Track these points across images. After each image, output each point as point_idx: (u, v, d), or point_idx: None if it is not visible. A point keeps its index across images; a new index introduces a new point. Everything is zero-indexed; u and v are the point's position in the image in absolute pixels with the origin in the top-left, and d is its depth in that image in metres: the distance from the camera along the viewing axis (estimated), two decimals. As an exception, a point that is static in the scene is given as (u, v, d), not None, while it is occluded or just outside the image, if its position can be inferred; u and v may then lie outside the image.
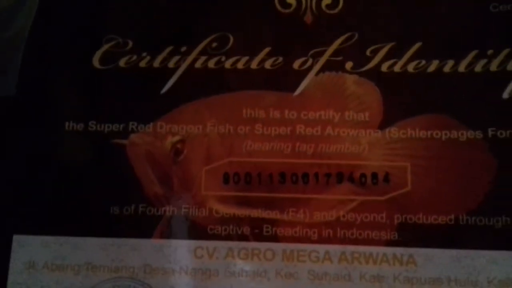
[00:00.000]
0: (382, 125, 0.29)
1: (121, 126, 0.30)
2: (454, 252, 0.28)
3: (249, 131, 0.30)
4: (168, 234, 0.29)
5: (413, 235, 0.28)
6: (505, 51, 0.30)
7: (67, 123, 0.30)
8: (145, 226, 0.29)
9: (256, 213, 0.29)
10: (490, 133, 0.29)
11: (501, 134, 0.29)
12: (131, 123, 0.30)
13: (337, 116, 0.30)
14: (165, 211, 0.29)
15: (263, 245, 0.28)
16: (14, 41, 0.30)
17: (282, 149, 0.29)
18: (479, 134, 0.29)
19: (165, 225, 0.29)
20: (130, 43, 0.31)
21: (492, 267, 0.27)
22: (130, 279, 0.28)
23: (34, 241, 0.29)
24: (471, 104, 0.29)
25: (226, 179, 0.29)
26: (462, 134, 0.29)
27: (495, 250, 0.27)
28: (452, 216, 0.28)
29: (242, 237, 0.28)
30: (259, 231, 0.28)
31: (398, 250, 0.28)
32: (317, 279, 0.28)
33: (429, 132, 0.29)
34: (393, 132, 0.29)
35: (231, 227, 0.29)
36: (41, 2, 0.32)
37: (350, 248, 0.28)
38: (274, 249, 0.28)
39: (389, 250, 0.28)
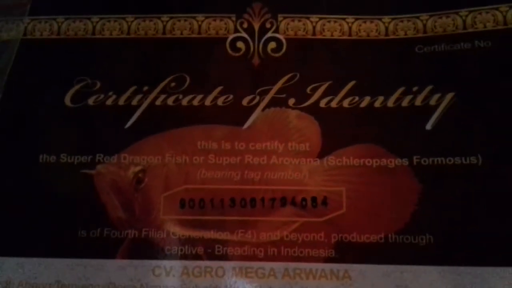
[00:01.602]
0: (321, 154, 0.31)
1: (89, 157, 0.32)
2: (384, 267, 0.29)
3: (203, 161, 0.31)
4: (129, 254, 0.30)
5: (348, 253, 0.29)
6: (428, 88, 0.32)
7: (41, 156, 0.32)
8: (109, 248, 0.30)
9: (209, 234, 0.30)
10: (415, 160, 0.31)
11: (424, 161, 0.31)
12: (98, 154, 0.32)
13: (281, 147, 0.32)
14: (127, 234, 0.30)
15: (215, 263, 0.30)
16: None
17: (232, 177, 0.31)
18: (405, 162, 0.31)
19: (127, 247, 0.30)
20: (98, 84, 0.33)
21: (418, 280, 0.29)
22: (97, 294, 0.30)
23: (10, 262, 0.30)
24: (399, 135, 0.31)
25: (182, 204, 0.31)
26: (390, 161, 0.31)
27: (420, 265, 0.29)
28: (382, 235, 0.29)
29: (196, 256, 0.30)
30: (211, 251, 0.30)
31: (335, 266, 0.29)
32: (265, 293, 0.29)
33: (362, 160, 0.31)
34: (330, 160, 0.31)
35: (186, 247, 0.30)
36: (20, 48, 0.34)
37: (292, 265, 0.29)
38: (225, 267, 0.30)
39: (327, 266, 0.29)
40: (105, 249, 0.30)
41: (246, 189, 0.31)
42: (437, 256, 0.29)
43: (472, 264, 0.28)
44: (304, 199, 0.31)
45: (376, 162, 0.31)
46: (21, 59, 0.34)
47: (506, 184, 0.29)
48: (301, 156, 0.31)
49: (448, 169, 0.30)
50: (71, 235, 0.30)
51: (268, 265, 0.30)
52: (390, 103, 0.32)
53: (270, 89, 0.32)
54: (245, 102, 0.32)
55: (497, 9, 0.33)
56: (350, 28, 0.33)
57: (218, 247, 0.30)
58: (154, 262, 0.30)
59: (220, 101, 0.32)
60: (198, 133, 0.32)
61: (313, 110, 0.32)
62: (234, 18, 0.34)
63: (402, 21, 0.33)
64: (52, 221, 0.31)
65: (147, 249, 0.30)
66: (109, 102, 0.33)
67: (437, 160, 0.30)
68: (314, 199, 0.30)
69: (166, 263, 0.30)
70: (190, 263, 0.30)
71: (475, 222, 0.29)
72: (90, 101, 0.33)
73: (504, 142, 0.30)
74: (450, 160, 0.30)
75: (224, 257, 0.30)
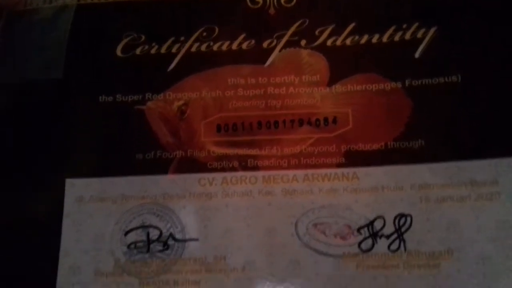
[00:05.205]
0: (329, 83, 0.37)
1: (140, 96, 0.37)
2: (385, 168, 0.35)
3: (233, 94, 0.37)
4: (178, 170, 0.36)
5: (355, 159, 0.35)
6: (415, 25, 0.38)
7: (100, 96, 0.38)
8: (162, 166, 0.36)
9: (242, 151, 0.36)
10: (407, 83, 0.36)
11: (414, 83, 0.36)
12: (147, 93, 0.37)
13: (297, 79, 0.37)
14: (175, 154, 0.36)
15: (248, 174, 0.36)
16: (59, 38, 0.38)
17: (258, 105, 0.37)
18: (399, 84, 0.36)
19: (176, 164, 0.36)
20: (143, 37, 0.39)
21: (413, 176, 0.35)
22: (153, 203, 0.35)
23: (81, 182, 0.36)
24: (393, 64, 0.37)
25: (218, 129, 0.37)
26: (387, 85, 0.37)
27: (414, 164, 0.35)
28: (383, 143, 0.35)
29: (233, 169, 0.36)
30: (245, 164, 0.36)
31: (345, 170, 0.35)
32: (288, 194, 0.35)
33: (363, 86, 0.37)
34: (338, 88, 0.37)
35: (224, 162, 0.36)
36: (76, 10, 0.40)
37: (310, 171, 0.35)
38: (256, 176, 0.36)
39: (339, 170, 0.35)
40: (159, 167, 0.36)
41: (270, 114, 0.37)
42: (428, 156, 0.35)
43: (457, 159, 0.35)
44: (317, 120, 0.36)
45: (375, 86, 0.37)
46: (77, 21, 0.39)
47: (479, 95, 0.36)
48: (313, 86, 0.37)
49: (433, 87, 0.36)
50: (130, 158, 0.36)
51: (291, 172, 0.36)
52: (385, 38, 0.38)
53: (285, 33, 0.38)
54: (265, 45, 0.38)
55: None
56: (349, -21, 0.39)
57: (250, 161, 0.36)
58: (199, 175, 0.36)
59: (244, 46, 0.38)
60: (228, 72, 0.38)
61: (321, 48, 0.38)
62: (252, -23, 0.40)
63: (391, -29, 0.39)
64: (113, 148, 0.37)
65: (192, 165, 0.36)
66: (153, 51, 0.38)
67: (425, 81, 0.36)
68: (325, 119, 0.36)
69: (209, 175, 0.36)
70: (228, 174, 0.36)
71: (458, 126, 0.35)
72: (138, 51, 0.38)
73: (477, 63, 0.36)
74: (435, 80, 0.36)
75: (255, 168, 0.36)
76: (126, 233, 0.35)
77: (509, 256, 0.33)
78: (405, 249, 0.34)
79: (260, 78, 0.37)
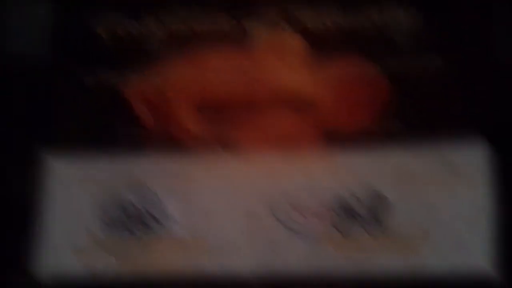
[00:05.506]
0: (311, 66, 0.37)
1: (121, 76, 0.37)
2: (364, 150, 0.35)
3: (214, 75, 0.37)
4: (160, 150, 0.36)
5: (335, 141, 0.36)
6: (396, 7, 0.37)
7: (81, 76, 0.37)
8: (142, 145, 0.36)
9: (222, 132, 0.36)
10: (387, 66, 0.36)
11: (395, 67, 0.36)
12: (128, 73, 0.37)
13: (279, 62, 0.37)
14: (156, 134, 0.36)
15: (228, 155, 0.36)
16: (41, 20, 0.38)
17: (240, 87, 0.37)
18: (379, 68, 0.36)
19: (157, 144, 0.36)
20: (124, 16, 0.38)
21: (392, 158, 0.35)
22: (133, 182, 0.35)
23: (61, 160, 0.36)
24: (374, 47, 0.37)
25: (199, 109, 0.37)
26: (368, 68, 0.37)
27: (393, 146, 0.35)
28: (362, 125, 0.36)
29: (213, 150, 0.36)
30: (225, 145, 0.36)
31: (325, 152, 0.35)
32: (268, 175, 0.35)
33: (343, 68, 0.37)
34: (318, 70, 0.37)
35: (204, 143, 0.36)
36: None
37: (291, 153, 0.36)
38: (236, 157, 0.36)
39: (319, 152, 0.36)
40: (139, 146, 0.36)
41: (250, 96, 0.37)
42: (406, 139, 0.35)
43: (436, 142, 0.35)
44: (297, 102, 0.36)
45: (355, 69, 0.37)
46: (59, 2, 0.39)
47: (460, 79, 0.36)
48: (295, 69, 0.37)
49: (414, 70, 0.36)
50: (111, 137, 0.36)
51: (271, 154, 0.36)
52: (366, 21, 0.37)
53: (267, 15, 0.38)
54: (246, 26, 0.38)
55: None
56: (329, -37, 0.39)
57: (230, 142, 0.36)
58: (179, 155, 0.36)
59: (225, 26, 0.38)
60: (210, 53, 0.37)
61: (303, 31, 0.38)
62: (235, -41, 0.40)
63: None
64: (93, 127, 0.37)
65: (174, 145, 0.36)
66: (134, 31, 0.38)
67: (405, 64, 0.36)
68: (305, 101, 0.36)
69: (189, 155, 0.36)
70: (210, 154, 0.36)
71: (437, 110, 0.35)
72: (119, 31, 0.38)
73: (458, 47, 0.36)
74: (415, 63, 0.36)
75: (235, 149, 0.36)
76: (105, 211, 0.35)
77: (485, 239, 0.33)
78: (382, 232, 0.34)
79: (241, 60, 0.37)
